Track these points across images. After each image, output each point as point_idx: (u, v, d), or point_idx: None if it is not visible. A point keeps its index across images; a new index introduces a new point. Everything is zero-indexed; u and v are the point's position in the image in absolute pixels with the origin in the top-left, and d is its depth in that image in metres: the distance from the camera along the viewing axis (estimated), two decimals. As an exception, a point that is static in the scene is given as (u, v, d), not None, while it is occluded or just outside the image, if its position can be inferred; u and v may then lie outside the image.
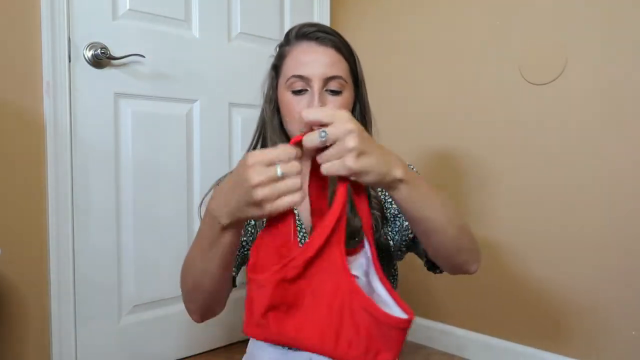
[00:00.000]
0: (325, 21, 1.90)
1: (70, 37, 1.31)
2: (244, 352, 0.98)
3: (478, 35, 1.56)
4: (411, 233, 0.89)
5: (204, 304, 0.78)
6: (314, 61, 0.82)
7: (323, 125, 0.54)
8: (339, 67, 0.84)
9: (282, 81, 0.87)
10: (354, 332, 0.56)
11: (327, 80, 0.83)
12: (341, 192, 0.56)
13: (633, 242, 1.27)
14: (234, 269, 0.89)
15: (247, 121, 1.67)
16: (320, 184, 0.63)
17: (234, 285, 0.87)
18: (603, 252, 1.33)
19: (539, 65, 1.42)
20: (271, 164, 0.54)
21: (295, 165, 0.54)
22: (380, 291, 0.60)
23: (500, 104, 1.51)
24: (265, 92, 0.93)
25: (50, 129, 1.29)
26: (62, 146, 1.31)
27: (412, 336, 1.76)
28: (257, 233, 0.92)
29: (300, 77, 0.83)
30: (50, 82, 1.28)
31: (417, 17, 1.72)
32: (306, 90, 0.84)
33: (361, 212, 0.62)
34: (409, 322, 0.55)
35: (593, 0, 1.32)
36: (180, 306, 1.60)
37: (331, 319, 0.57)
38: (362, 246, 0.64)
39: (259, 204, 0.54)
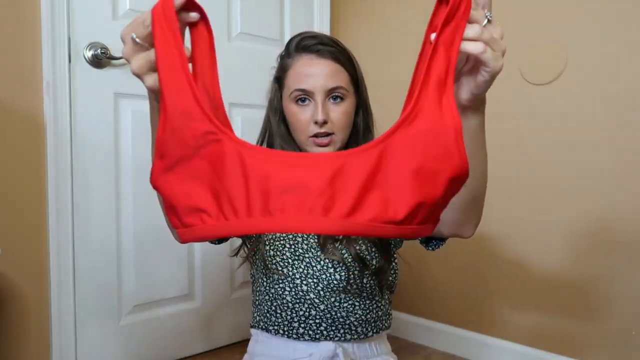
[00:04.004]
0: (325, 21, 1.90)
1: (70, 37, 1.31)
2: (244, 352, 0.98)
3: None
4: None
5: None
6: (315, 74, 0.86)
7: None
8: (340, 78, 0.88)
9: (286, 93, 0.90)
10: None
11: (329, 91, 0.87)
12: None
13: (634, 241, 1.28)
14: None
15: (247, 121, 1.67)
16: None
17: None
18: (603, 253, 1.33)
19: (539, 65, 1.42)
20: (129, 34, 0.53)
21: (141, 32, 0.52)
22: None
23: (500, 104, 1.51)
24: (269, 100, 0.96)
25: (50, 129, 1.29)
26: (62, 146, 1.31)
27: (412, 336, 1.76)
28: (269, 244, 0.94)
29: (303, 90, 0.87)
30: (50, 82, 1.28)
31: (418, 17, 1.71)
32: (310, 99, 0.88)
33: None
34: None
35: (593, 0, 1.32)
36: (180, 306, 1.63)
37: None
38: None
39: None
